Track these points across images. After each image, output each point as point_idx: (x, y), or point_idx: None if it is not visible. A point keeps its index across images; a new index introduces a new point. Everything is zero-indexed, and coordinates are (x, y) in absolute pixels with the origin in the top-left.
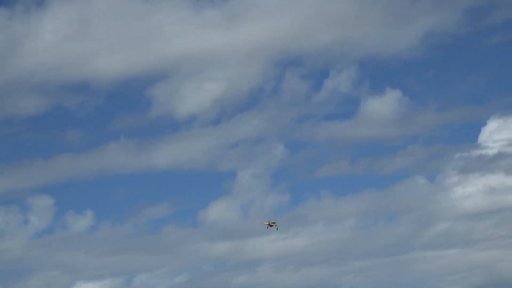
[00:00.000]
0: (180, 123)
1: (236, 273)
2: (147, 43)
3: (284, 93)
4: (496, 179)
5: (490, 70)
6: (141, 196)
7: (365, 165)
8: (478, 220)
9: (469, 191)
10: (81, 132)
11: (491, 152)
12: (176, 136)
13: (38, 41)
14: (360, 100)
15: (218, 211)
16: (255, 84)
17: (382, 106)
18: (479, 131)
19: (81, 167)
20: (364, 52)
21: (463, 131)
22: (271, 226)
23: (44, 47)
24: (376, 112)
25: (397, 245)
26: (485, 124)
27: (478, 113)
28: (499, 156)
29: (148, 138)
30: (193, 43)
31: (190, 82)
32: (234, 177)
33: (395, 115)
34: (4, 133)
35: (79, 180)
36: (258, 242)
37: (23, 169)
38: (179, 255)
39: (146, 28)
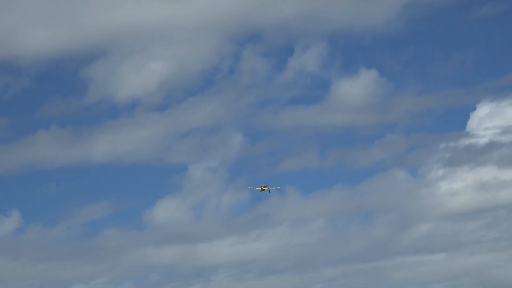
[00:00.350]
0: (121, 108)
1: (187, 282)
2: (81, 15)
3: (242, 74)
4: (487, 173)
5: (479, 47)
6: (76, 194)
7: (336, 157)
8: (467, 220)
9: (457, 187)
10: (5, 119)
11: (482, 141)
12: (116, 124)
13: None
14: (330, 82)
15: (166, 211)
16: (208, 64)
17: (356, 88)
18: (467, 117)
19: (5, 160)
20: (334, 26)
21: (449, 117)
22: (263, 190)
23: None
24: (349, 95)
25: (373, 249)
26: (474, 109)
27: (466, 96)
28: (491, 146)
29: (83, 126)
30: (135, 15)
31: (132, 61)
32: (184, 171)
33: (370, 99)
34: None
35: (2, 176)
36: (213, 247)
37: None
38: (121, 262)
39: None
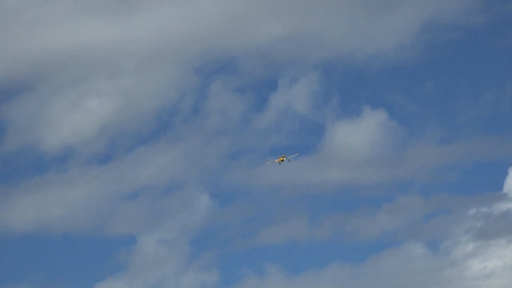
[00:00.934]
0: (49, 160)
1: None
2: None
3: (209, 116)
4: None
5: None
6: None
7: (331, 226)
8: None
9: (492, 267)
10: None
11: None
12: (42, 180)
13: None
14: (324, 127)
15: None
16: (164, 102)
17: (358, 135)
18: (504, 174)
19: None
20: (330, 52)
21: (481, 174)
22: (282, 161)
23: None
24: (349, 144)
25: None
26: None
27: (503, 146)
28: None
29: None
30: (69, 38)
31: (65, 98)
32: (132, 244)
33: (377, 150)
34: None
35: None
36: None
37: None
38: None
39: None
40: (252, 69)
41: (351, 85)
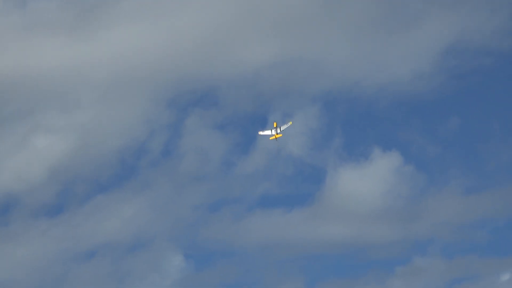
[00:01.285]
0: None
1: None
2: None
3: (184, 158)
4: None
5: None
6: None
7: None
8: None
9: None
10: None
11: None
12: None
13: None
14: (325, 171)
15: None
16: (130, 140)
17: (365, 182)
18: None
19: None
20: (332, 81)
21: None
22: (279, 136)
23: None
24: (354, 193)
25: None
26: None
27: None
28: None
29: None
30: (12, 61)
31: (7, 135)
32: None
33: (389, 200)
34: None
35: None
36: None
37: None
38: None
39: None
40: (236, 102)
41: (357, 122)
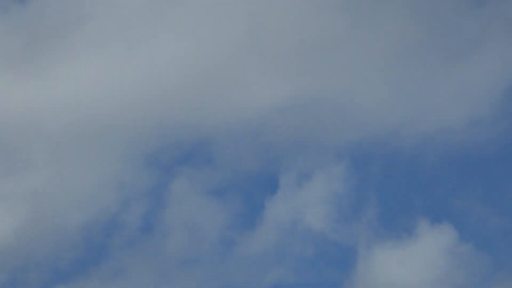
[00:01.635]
0: None
1: None
2: None
3: (169, 234)
4: None
5: None
6: None
7: None
8: None
9: None
10: None
11: None
12: None
13: None
14: (356, 251)
15: None
16: (98, 212)
17: (408, 265)
18: None
19: None
20: (362, 131)
21: None
22: None
23: None
24: (394, 279)
25: None
26: None
27: None
28: None
29: None
30: None
31: None
32: None
33: (440, 285)
34: None
35: None
36: None
37: None
38: None
39: None
40: (237, 158)
41: (396, 184)
